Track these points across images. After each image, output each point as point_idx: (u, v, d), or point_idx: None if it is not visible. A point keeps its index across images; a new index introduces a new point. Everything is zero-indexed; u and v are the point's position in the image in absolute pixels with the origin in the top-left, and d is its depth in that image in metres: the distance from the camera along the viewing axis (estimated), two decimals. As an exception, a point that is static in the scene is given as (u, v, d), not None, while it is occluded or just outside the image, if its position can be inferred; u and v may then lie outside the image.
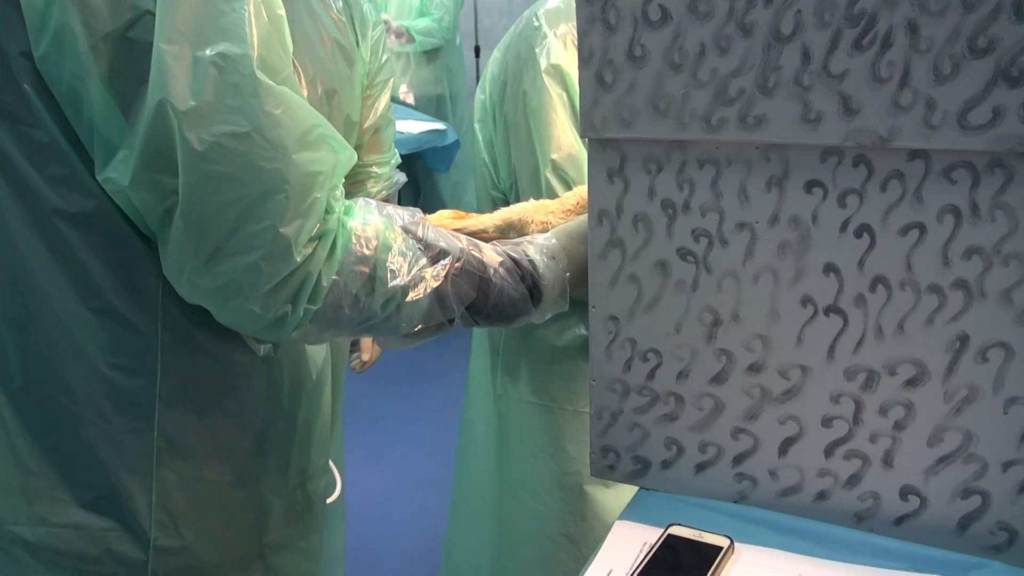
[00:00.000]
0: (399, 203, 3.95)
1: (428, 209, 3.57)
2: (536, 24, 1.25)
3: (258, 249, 0.72)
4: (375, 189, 1.69)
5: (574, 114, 1.21)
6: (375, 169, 1.68)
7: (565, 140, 1.21)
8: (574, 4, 1.29)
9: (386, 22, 4.12)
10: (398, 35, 4.10)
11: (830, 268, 0.79)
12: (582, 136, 0.85)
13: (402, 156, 4.11)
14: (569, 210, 1.05)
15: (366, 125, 1.54)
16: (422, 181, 4.21)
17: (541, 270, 0.92)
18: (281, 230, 0.72)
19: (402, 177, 1.71)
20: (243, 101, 0.69)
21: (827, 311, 0.80)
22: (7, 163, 0.73)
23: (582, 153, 1.21)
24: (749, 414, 0.86)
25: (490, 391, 1.48)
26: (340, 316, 0.80)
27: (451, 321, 0.90)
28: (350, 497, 2.39)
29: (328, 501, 1.03)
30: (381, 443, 3.02)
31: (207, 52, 0.68)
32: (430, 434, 3.04)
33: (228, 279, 0.73)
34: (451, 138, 4.01)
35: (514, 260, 0.91)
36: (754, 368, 0.85)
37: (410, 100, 4.29)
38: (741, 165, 0.80)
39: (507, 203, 1.32)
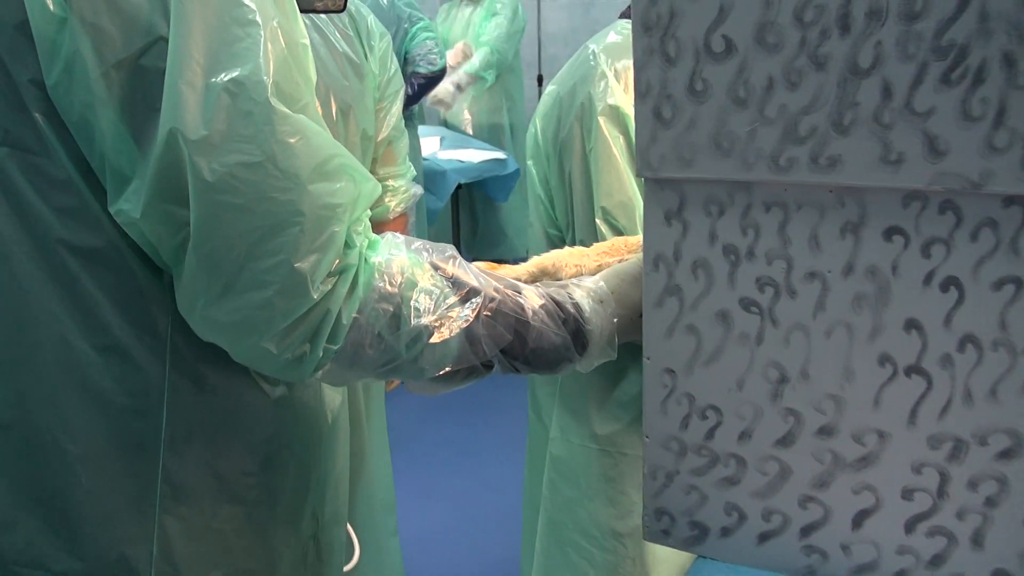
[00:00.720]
0: (457, 234, 3.91)
1: (487, 238, 3.56)
2: (593, 62, 1.20)
3: (272, 284, 0.69)
4: (393, 203, 1.62)
5: (631, 158, 1.15)
6: (391, 183, 1.61)
7: (618, 186, 1.15)
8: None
9: (465, 48, 4.10)
10: (462, 85, 4.07)
11: (912, 324, 0.71)
12: (638, 175, 0.79)
13: (461, 185, 4.06)
14: (604, 252, 0.99)
15: (379, 138, 1.49)
16: (480, 210, 4.18)
17: (587, 314, 0.86)
18: (296, 265, 0.68)
19: (419, 190, 1.67)
20: (256, 130, 0.66)
21: (908, 371, 0.72)
22: (15, 194, 0.71)
23: (636, 200, 1.14)
24: (819, 481, 0.78)
25: (543, 432, 1.43)
26: (362, 356, 0.76)
27: (487, 366, 0.85)
28: (405, 530, 2.34)
29: (345, 569, 0.97)
30: (437, 476, 2.96)
31: (220, 79, 0.65)
32: (488, 468, 2.98)
33: (241, 315, 0.70)
34: (511, 167, 3.98)
35: (556, 303, 0.85)
36: (825, 431, 0.77)
37: (468, 129, 4.28)
38: (812, 209, 0.73)
39: (564, 242, 1.27)
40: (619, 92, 1.16)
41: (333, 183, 0.70)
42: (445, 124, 4.36)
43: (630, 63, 1.20)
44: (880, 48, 0.66)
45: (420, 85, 3.49)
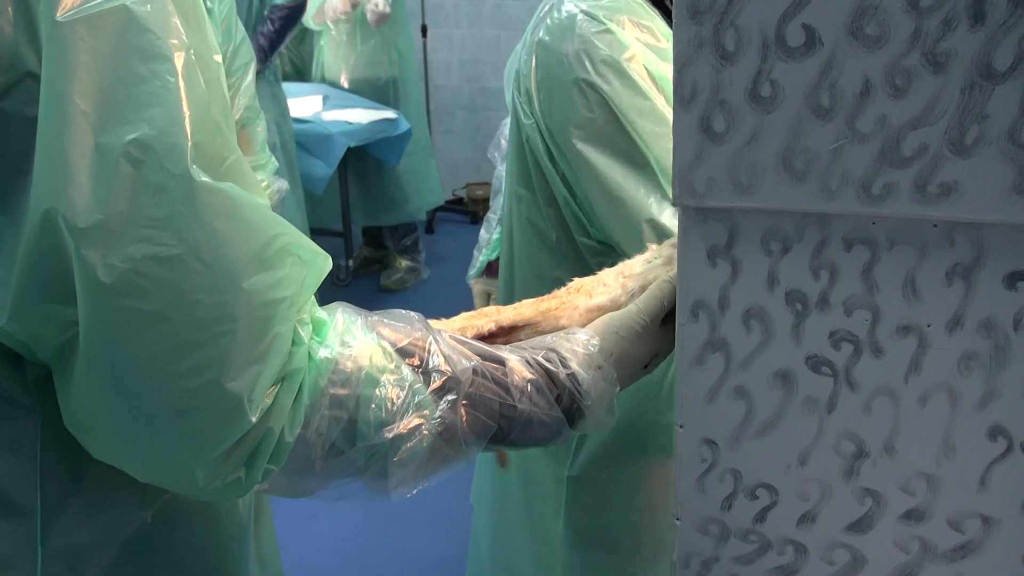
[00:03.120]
0: (346, 202, 3.51)
1: (379, 205, 3.16)
2: (588, 23, 0.97)
3: (198, 411, 0.50)
4: None
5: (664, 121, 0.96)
6: None
7: (661, 147, 0.94)
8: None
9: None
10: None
11: (1037, 391, 0.57)
12: (676, 203, 0.61)
13: (350, 149, 3.70)
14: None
15: None
16: (372, 175, 3.90)
17: (585, 387, 0.69)
18: (228, 385, 0.50)
19: (283, 184, 1.38)
20: (171, 211, 0.48)
21: (1027, 447, 0.58)
22: None
23: None
24: (902, 573, 0.64)
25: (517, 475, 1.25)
26: (311, 471, 0.59)
27: None
28: (322, 527, 2.10)
29: None
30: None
31: (117, 139, 0.46)
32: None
33: (157, 449, 0.52)
34: (403, 127, 3.73)
35: (549, 376, 0.68)
36: (914, 516, 0.62)
37: (344, 84, 3.94)
38: (910, 248, 0.57)
39: (604, 250, 1.05)
40: (637, 45, 0.95)
41: (275, 272, 0.52)
42: (323, 80, 4.02)
43: (624, 18, 0.99)
44: (1025, 45, 0.50)
45: (282, 20, 3.09)
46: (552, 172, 1.05)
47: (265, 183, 1.34)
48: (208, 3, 1.04)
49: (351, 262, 4.05)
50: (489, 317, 0.79)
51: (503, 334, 0.79)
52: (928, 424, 0.60)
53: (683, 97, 0.58)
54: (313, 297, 0.58)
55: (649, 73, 0.95)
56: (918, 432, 0.61)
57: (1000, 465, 0.59)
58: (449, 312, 0.84)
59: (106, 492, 0.60)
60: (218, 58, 0.52)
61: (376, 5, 3.59)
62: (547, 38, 1.02)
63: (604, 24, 0.96)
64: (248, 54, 1.25)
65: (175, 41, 0.48)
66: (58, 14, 0.46)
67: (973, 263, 0.56)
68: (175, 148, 0.47)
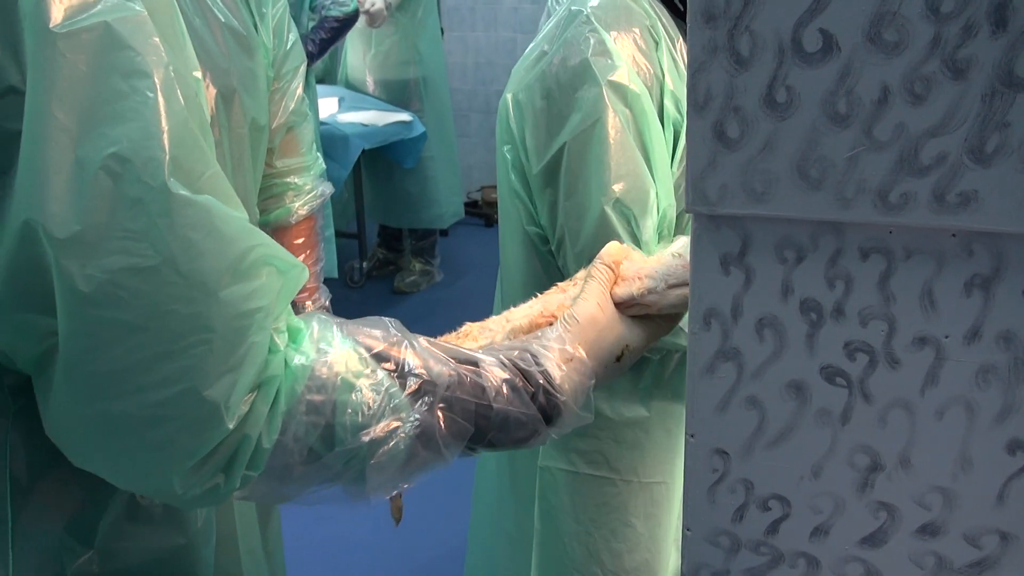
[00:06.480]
0: (360, 203, 3.49)
1: (395, 207, 3.18)
2: (587, 28, 1.00)
3: (173, 420, 0.51)
4: (297, 204, 1.32)
5: (639, 140, 0.98)
6: (294, 179, 1.32)
7: (629, 169, 0.97)
8: (628, 2, 1.04)
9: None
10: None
11: (1057, 405, 0.56)
12: (689, 210, 0.61)
13: (365, 151, 3.70)
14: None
15: (275, 125, 1.23)
16: (384, 178, 3.90)
17: (558, 383, 0.70)
18: (205, 393, 0.51)
19: (328, 188, 1.38)
20: (149, 223, 0.48)
21: (1047, 462, 0.57)
22: None
23: (648, 187, 0.97)
24: (916, 588, 0.63)
25: (505, 463, 1.26)
26: (290, 477, 0.60)
27: None
28: (328, 529, 2.10)
29: None
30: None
31: (97, 153, 0.47)
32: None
33: (133, 457, 0.53)
34: (418, 130, 3.73)
35: (524, 375, 0.69)
36: (929, 530, 0.61)
37: (370, 87, 3.94)
38: (927, 258, 0.56)
39: (546, 240, 1.09)
40: (625, 69, 0.98)
41: (251, 282, 0.53)
42: (346, 84, 4.02)
43: (622, 33, 1.00)
44: (1048, 51, 0.49)
45: (333, 31, 3.21)
46: (507, 165, 1.09)
47: (309, 186, 1.33)
48: (263, 8, 1.04)
49: (365, 264, 4.05)
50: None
51: None
52: (944, 437, 0.59)
53: (697, 103, 0.57)
54: (290, 308, 0.59)
55: (626, 97, 0.99)
56: (934, 445, 0.59)
57: (1019, 480, 0.58)
58: (461, 316, 0.85)
59: (74, 492, 0.61)
60: (197, 74, 0.53)
61: (372, 4, 3.60)
62: (555, 36, 1.05)
63: (604, 41, 0.99)
64: (299, 58, 1.24)
65: (154, 58, 0.49)
66: (40, 30, 0.46)
67: (992, 274, 0.55)
68: (153, 162, 0.48)
